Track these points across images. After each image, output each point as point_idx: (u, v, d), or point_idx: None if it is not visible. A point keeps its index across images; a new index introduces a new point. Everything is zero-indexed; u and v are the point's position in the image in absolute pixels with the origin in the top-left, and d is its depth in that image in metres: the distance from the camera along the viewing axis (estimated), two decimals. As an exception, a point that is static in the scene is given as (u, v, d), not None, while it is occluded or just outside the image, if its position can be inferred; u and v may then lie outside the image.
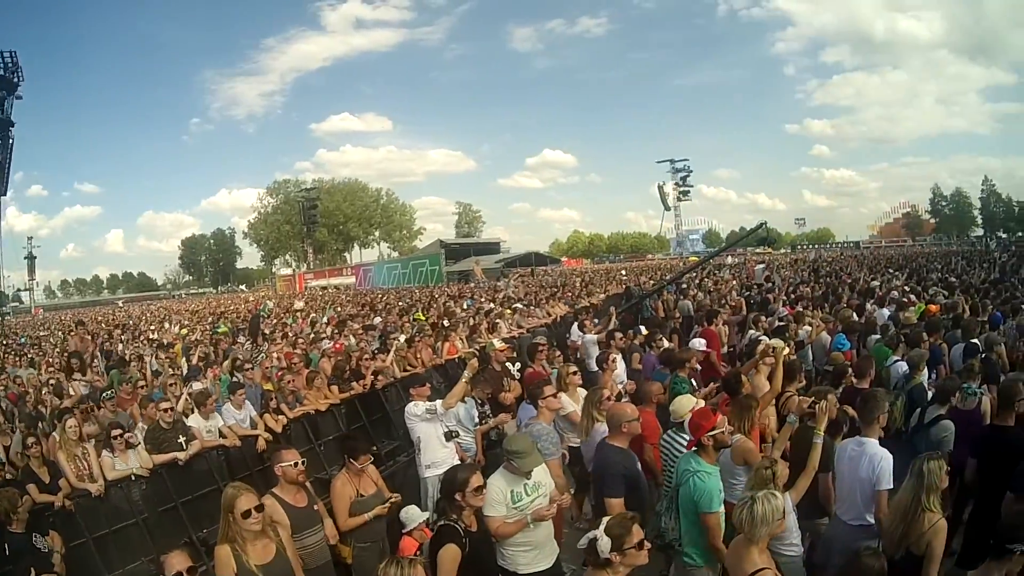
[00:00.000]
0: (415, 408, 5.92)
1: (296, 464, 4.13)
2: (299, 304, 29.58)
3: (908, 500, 3.40)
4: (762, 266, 21.74)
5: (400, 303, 24.16)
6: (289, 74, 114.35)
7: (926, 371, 6.33)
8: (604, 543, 2.87)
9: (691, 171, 72.96)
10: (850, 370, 6.17)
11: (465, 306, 19.61)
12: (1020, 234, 64.10)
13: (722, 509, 3.91)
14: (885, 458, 4.09)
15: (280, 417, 7.28)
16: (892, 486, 3.98)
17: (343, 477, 4.65)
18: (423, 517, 4.57)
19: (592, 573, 3.02)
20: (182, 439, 6.24)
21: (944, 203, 77.63)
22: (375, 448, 6.47)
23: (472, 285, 37.92)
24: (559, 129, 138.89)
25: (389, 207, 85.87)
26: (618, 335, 8.96)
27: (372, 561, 4.02)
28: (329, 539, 4.42)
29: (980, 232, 72.24)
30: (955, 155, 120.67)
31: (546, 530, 4.16)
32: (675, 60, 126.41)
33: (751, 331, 9.41)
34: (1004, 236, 63.91)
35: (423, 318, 15.47)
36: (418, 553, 4.12)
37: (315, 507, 4.37)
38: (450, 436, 5.93)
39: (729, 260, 34.59)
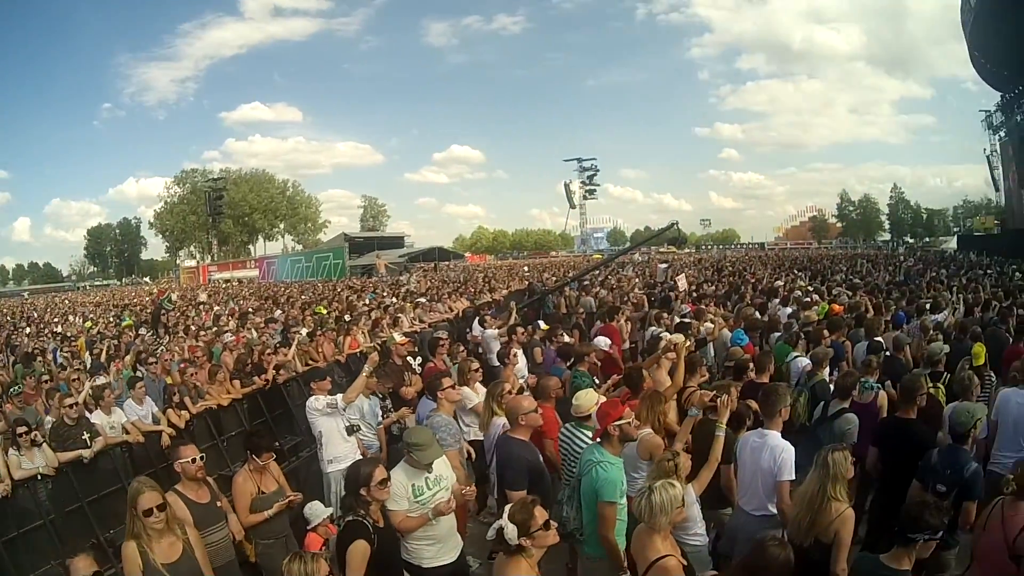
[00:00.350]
0: (316, 402, 7.09)
1: (195, 460, 4.97)
2: (202, 296, 37.07)
3: (814, 490, 4.36)
4: (664, 265, 25.78)
5: (303, 297, 30.27)
6: (203, 60, 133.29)
7: (827, 367, 7.94)
8: (510, 530, 3.64)
9: (598, 170, 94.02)
10: (750, 365, 7.61)
11: (367, 300, 23.60)
12: (927, 239, 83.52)
13: (623, 502, 4.82)
14: (787, 450, 5.14)
15: (183, 412, 8.47)
16: (794, 477, 5.00)
17: (244, 473, 5.52)
18: (327, 513, 5.41)
19: (506, 561, 3.76)
20: (86, 436, 7.17)
21: (852, 208, 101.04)
22: (278, 444, 7.39)
23: (375, 279, 46.34)
24: (468, 125, 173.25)
25: (295, 199, 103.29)
26: (519, 330, 11.15)
27: (277, 559, 4.71)
28: (234, 536, 5.23)
29: (887, 237, 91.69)
30: (865, 163, 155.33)
31: (449, 523, 4.99)
32: (589, 61, 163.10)
33: (652, 327, 11.52)
34: (911, 241, 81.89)
35: (324, 311, 18.94)
36: (323, 549, 4.99)
37: (218, 503, 5.20)
38: (351, 430, 7.10)
39: (636, 258, 41.94)
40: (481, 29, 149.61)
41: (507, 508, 3.88)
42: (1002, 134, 51.14)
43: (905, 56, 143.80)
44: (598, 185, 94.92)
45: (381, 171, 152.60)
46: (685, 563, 4.11)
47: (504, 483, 5.74)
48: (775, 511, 5.13)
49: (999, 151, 53.09)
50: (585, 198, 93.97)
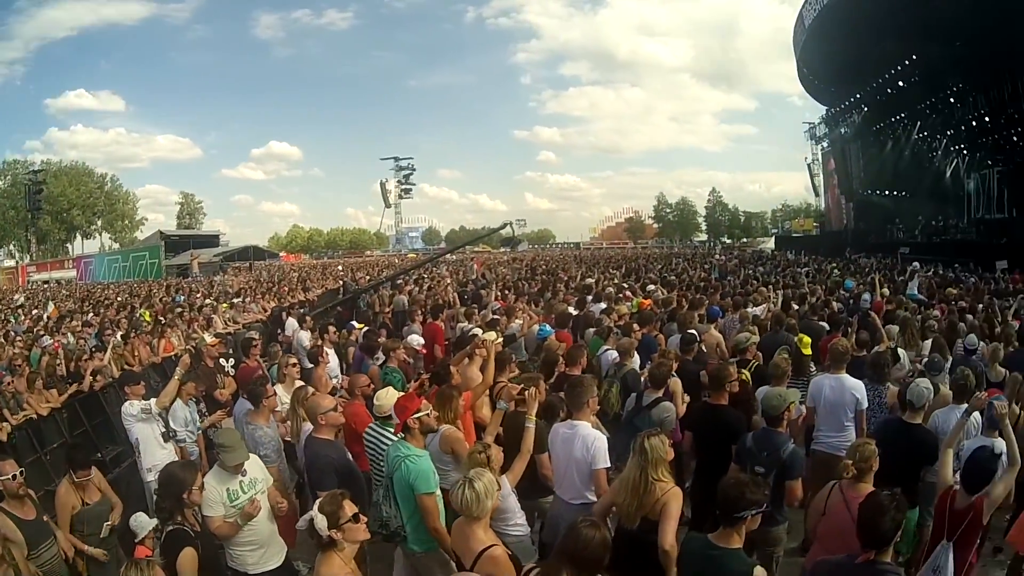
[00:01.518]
0: (130, 408, 7.29)
1: (14, 477, 5.09)
2: (19, 299, 36.62)
3: (636, 475, 4.66)
4: (471, 264, 26.57)
5: (119, 298, 30.70)
6: (34, 41, 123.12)
7: (637, 358, 8.58)
8: (320, 521, 3.89)
9: (414, 169, 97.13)
10: (559, 358, 8.13)
11: (179, 301, 24.86)
12: (744, 240, 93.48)
13: (439, 491, 5.08)
14: (598, 439, 5.57)
15: (3, 424, 8.49)
16: (609, 465, 5.46)
17: (65, 486, 5.68)
18: (152, 524, 5.20)
19: (322, 558, 4.00)
20: None
21: (669, 210, 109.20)
22: (100, 455, 7.89)
23: (189, 279, 49.10)
24: (289, 121, 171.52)
25: (113, 194, 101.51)
26: (331, 329, 11.87)
27: (109, 572, 4.80)
28: (66, 552, 5.30)
29: (704, 238, 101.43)
30: (683, 168, 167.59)
31: (269, 527, 5.27)
32: (415, 61, 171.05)
33: (463, 324, 12.31)
34: (728, 241, 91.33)
35: (148, 316, 19.37)
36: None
37: (44, 519, 5.31)
38: (168, 436, 7.40)
39: (450, 257, 42.95)
40: (310, 24, 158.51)
41: (317, 502, 4.13)
42: (824, 144, 59.85)
43: (732, 71, 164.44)
44: (414, 184, 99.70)
45: (199, 166, 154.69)
46: (510, 553, 4.33)
47: (312, 484, 5.98)
48: (593, 499, 5.46)
49: (820, 160, 62.25)
50: (401, 197, 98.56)
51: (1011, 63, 32.98)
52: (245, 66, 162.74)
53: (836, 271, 25.77)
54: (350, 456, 6.32)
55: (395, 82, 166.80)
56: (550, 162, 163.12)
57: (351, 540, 4.06)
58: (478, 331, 9.38)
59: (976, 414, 5.93)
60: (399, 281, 23.00)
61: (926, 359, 8.42)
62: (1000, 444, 5.39)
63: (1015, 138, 38.51)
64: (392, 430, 5.85)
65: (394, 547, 5.67)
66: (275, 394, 7.15)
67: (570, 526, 3.89)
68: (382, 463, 5.74)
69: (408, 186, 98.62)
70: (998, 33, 30.34)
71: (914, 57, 38.53)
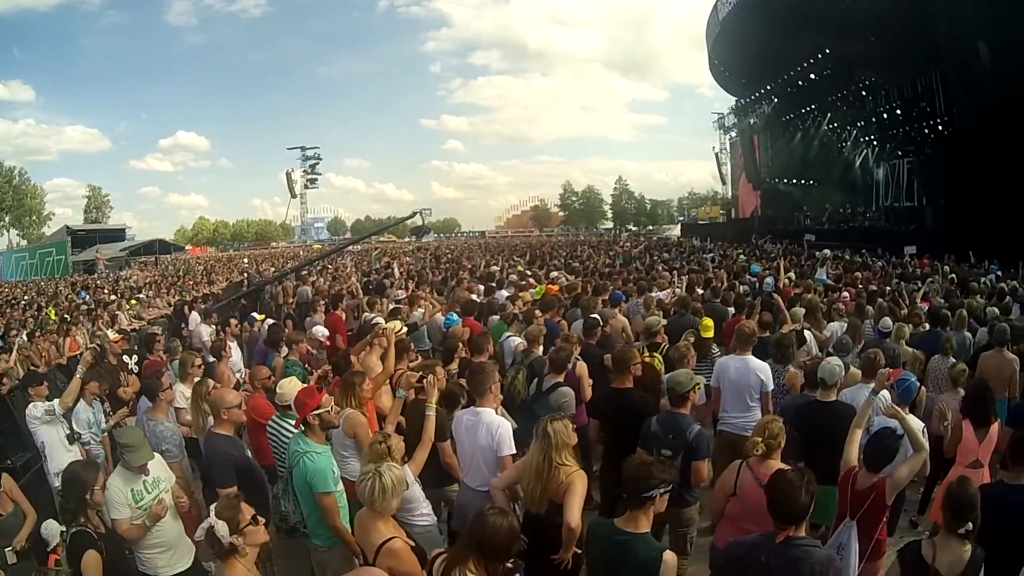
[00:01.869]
0: (35, 410, 7.18)
1: None
2: None
3: (540, 460, 4.71)
4: (377, 252, 27.37)
5: (26, 296, 31.31)
6: None
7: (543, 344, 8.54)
8: (221, 527, 3.77)
9: (320, 159, 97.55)
10: (462, 345, 8.34)
11: (84, 298, 24.82)
12: (650, 227, 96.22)
13: (340, 488, 5.15)
14: (502, 426, 5.63)
15: None
16: (515, 451, 5.50)
17: None
18: (61, 529, 5.12)
19: (223, 567, 3.91)
20: None
21: (575, 198, 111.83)
22: (9, 462, 7.84)
23: (95, 276, 49.12)
24: (198, 110, 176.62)
25: (21, 188, 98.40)
26: (233, 322, 11.75)
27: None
28: None
29: (610, 225, 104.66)
30: (591, 157, 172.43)
31: (176, 528, 5.20)
32: (325, 48, 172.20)
33: (366, 313, 12.29)
34: (634, 228, 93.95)
35: (54, 314, 19.09)
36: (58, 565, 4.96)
37: None
38: (72, 439, 7.23)
39: (355, 248, 43.76)
40: (222, 10, 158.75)
41: (212, 507, 4.00)
42: (733, 134, 61.71)
43: (643, 61, 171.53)
44: (320, 174, 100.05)
45: (107, 158, 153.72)
46: (413, 544, 4.33)
47: (211, 481, 5.98)
48: (501, 486, 5.43)
49: (728, 149, 64.55)
50: (307, 187, 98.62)
51: (926, 59, 34.46)
52: (156, 53, 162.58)
53: (742, 257, 26.44)
54: (249, 453, 6.31)
55: (305, 70, 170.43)
56: (457, 151, 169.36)
57: (252, 544, 3.96)
58: (380, 320, 9.45)
59: (886, 392, 6.02)
60: (303, 272, 23.26)
61: (835, 340, 8.70)
62: (913, 423, 5.53)
63: (927, 131, 40.03)
64: (293, 421, 5.77)
65: (301, 542, 5.67)
66: (171, 386, 7.18)
67: (477, 514, 3.88)
68: (283, 456, 5.78)
69: (314, 176, 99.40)
70: (914, 30, 31.69)
71: (828, 51, 39.93)
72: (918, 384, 6.25)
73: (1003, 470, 5.17)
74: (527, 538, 4.23)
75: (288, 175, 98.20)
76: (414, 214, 22.29)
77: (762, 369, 7.27)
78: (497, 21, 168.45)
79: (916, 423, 5.60)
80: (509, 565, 3.78)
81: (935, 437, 6.40)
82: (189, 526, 5.34)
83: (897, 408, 5.52)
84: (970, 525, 4.00)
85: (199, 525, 4.04)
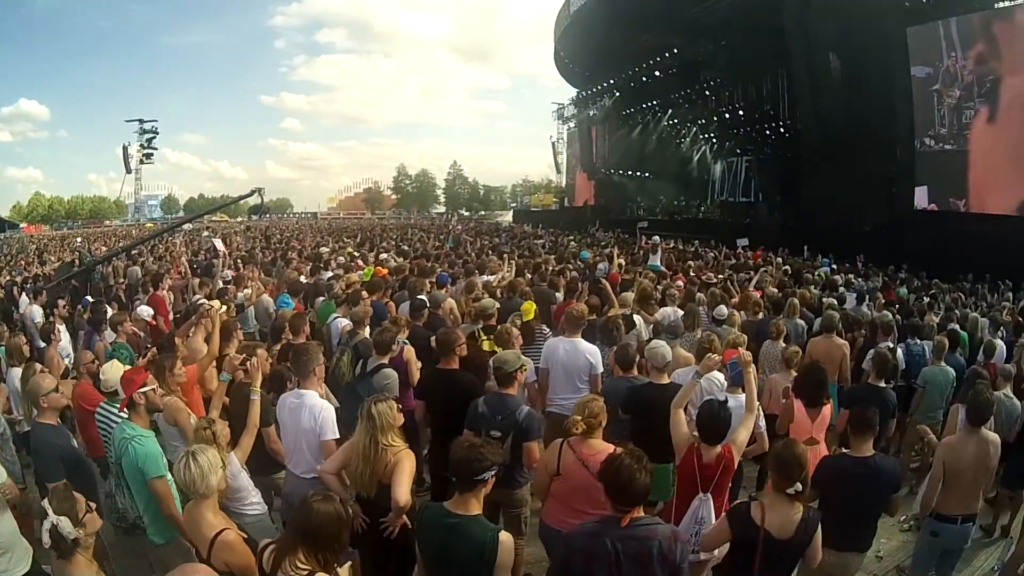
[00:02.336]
0: None
1: None
2: None
3: (366, 442, 4.72)
4: (207, 233, 27.41)
5: None
6: None
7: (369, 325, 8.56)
8: (64, 524, 3.60)
9: (158, 133, 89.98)
10: (287, 327, 8.36)
11: None
12: (482, 212, 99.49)
13: (170, 475, 4.96)
14: (326, 408, 5.66)
15: None
16: (338, 435, 5.54)
17: None
18: None
19: (65, 565, 3.69)
20: None
21: (408, 181, 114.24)
22: None
23: None
24: (40, 77, 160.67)
25: None
26: (61, 303, 11.93)
27: None
28: None
29: (442, 209, 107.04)
30: (428, 140, 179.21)
31: (11, 527, 4.89)
32: (174, 17, 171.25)
33: (196, 295, 12.30)
34: (466, 213, 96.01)
35: None
36: None
37: None
38: None
39: (186, 227, 42.48)
40: None
41: (46, 503, 3.76)
42: (571, 125, 63.46)
43: (489, 48, 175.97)
44: (156, 149, 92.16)
45: None
46: (246, 535, 4.23)
47: (39, 476, 5.82)
48: (327, 470, 5.44)
49: (566, 139, 66.33)
50: (142, 162, 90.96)
51: (773, 64, 37.43)
52: (4, 16, 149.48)
53: (573, 243, 27.45)
54: (75, 443, 6.14)
55: (150, 38, 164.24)
56: (294, 130, 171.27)
57: (91, 532, 3.78)
58: (205, 301, 9.28)
59: (718, 374, 6.43)
60: (134, 252, 23.48)
61: (668, 323, 8.94)
62: (740, 398, 5.90)
63: (768, 132, 42.29)
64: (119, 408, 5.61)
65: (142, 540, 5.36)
66: None
67: (301, 501, 3.82)
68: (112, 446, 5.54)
69: (151, 151, 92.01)
70: (765, 36, 33.87)
71: (676, 50, 41.58)
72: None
73: (843, 448, 5.72)
74: (365, 519, 4.65)
75: (125, 149, 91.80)
76: (253, 192, 21.64)
77: (591, 351, 7.38)
78: None
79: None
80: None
81: (769, 416, 6.71)
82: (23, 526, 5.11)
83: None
84: (799, 486, 4.20)
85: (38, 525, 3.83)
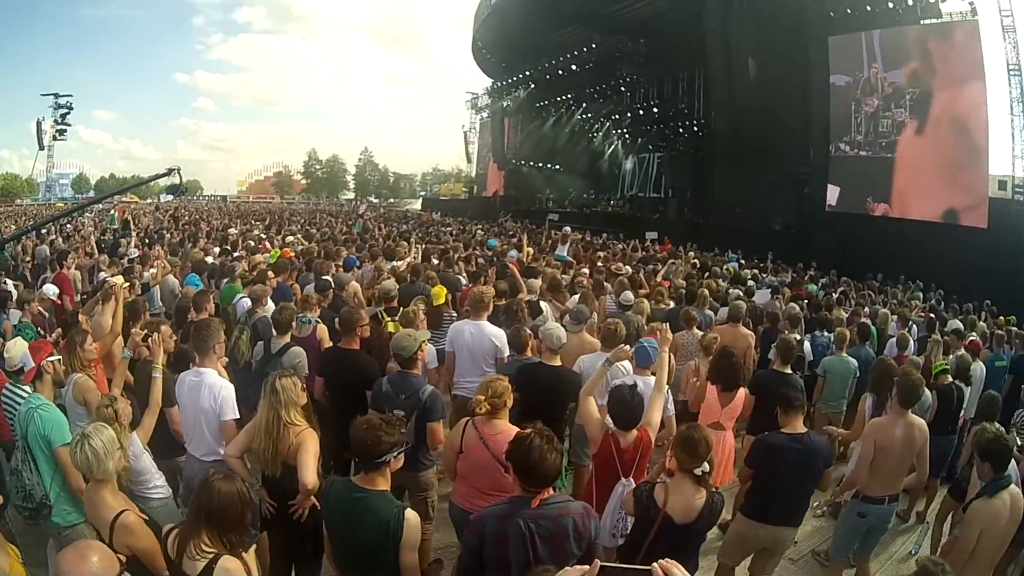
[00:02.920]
0: None
1: None
2: None
3: (270, 418, 4.71)
4: (112, 211, 27.74)
5: None
6: None
7: (272, 305, 8.50)
8: None
9: (72, 108, 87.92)
10: (191, 306, 8.49)
11: None
12: (391, 200, 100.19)
13: None
14: (226, 387, 5.61)
15: None
16: (238, 415, 5.51)
17: None
18: None
19: None
20: None
21: (319, 166, 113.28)
22: None
23: None
24: None
25: None
26: None
27: None
28: None
29: (351, 196, 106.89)
30: (340, 125, 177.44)
31: None
32: None
33: (102, 272, 12.39)
34: (375, 200, 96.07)
35: None
36: None
37: None
38: None
39: (98, 207, 41.87)
40: None
41: None
42: (484, 115, 63.35)
43: (406, 35, 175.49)
44: (69, 125, 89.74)
45: None
46: (147, 518, 4.14)
47: None
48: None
49: (478, 129, 66.40)
50: (55, 139, 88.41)
51: (688, 63, 38.88)
52: None
53: (480, 231, 27.62)
54: None
55: (71, 9, 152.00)
56: (207, 110, 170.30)
57: None
58: (113, 279, 8.71)
59: (627, 364, 6.45)
60: (43, 231, 22.55)
61: (573, 310, 8.86)
62: (648, 380, 5.99)
63: (681, 129, 42.97)
64: (28, 388, 5.50)
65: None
66: None
67: (202, 481, 3.77)
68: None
69: (64, 127, 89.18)
70: (684, 37, 35.00)
71: (593, 45, 41.72)
72: (657, 350, 6.36)
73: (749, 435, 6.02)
74: (271, 503, 4.71)
75: (38, 124, 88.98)
76: (169, 172, 21.05)
77: (497, 334, 7.41)
78: None
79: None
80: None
81: (682, 402, 7.09)
82: None
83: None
84: (706, 466, 4.26)
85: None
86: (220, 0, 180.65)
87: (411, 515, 3.89)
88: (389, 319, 8.29)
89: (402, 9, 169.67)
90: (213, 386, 5.57)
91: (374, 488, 3.96)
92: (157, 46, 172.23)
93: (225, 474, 3.83)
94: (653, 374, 5.96)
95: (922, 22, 27.59)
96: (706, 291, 11.22)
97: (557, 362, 6.57)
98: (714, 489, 4.43)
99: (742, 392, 6.80)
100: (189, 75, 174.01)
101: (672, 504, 4.24)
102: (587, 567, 1.76)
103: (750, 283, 14.63)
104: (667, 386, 5.86)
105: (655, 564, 1.67)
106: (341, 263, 12.96)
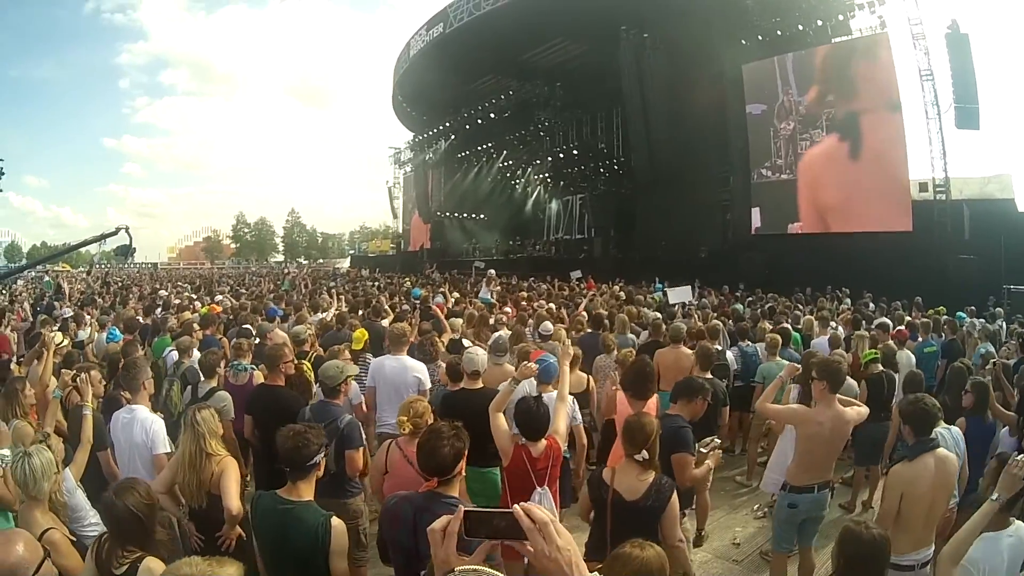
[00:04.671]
0: None
1: None
2: None
3: (192, 450, 4.92)
4: (48, 279, 28.09)
5: None
6: None
7: (198, 354, 8.76)
8: None
9: (3, 173, 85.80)
10: (121, 355, 8.69)
11: None
12: (320, 260, 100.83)
13: None
14: (156, 422, 5.89)
15: None
16: (169, 449, 5.70)
17: None
18: None
19: None
20: None
21: (247, 229, 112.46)
22: None
23: None
24: None
25: None
26: None
27: None
28: None
29: (281, 258, 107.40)
30: (265, 187, 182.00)
31: None
32: (22, 48, 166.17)
33: (39, 331, 11.81)
34: (305, 261, 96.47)
35: None
36: None
37: None
38: None
39: (29, 274, 43.07)
40: None
41: None
42: (408, 169, 63.84)
43: (327, 91, 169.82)
44: (1, 191, 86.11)
45: None
46: (74, 539, 4.22)
47: None
48: (162, 489, 5.30)
49: (402, 184, 66.36)
50: None
51: (605, 103, 40.61)
52: None
53: (408, 283, 28.13)
54: None
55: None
56: (135, 175, 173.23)
57: None
58: (45, 331, 9.43)
59: (533, 381, 6.59)
60: None
61: (493, 342, 9.29)
62: (552, 395, 6.10)
63: (601, 169, 43.91)
64: None
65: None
66: None
67: (103, 500, 3.88)
68: None
69: None
70: (597, 76, 36.68)
71: (511, 92, 42.56)
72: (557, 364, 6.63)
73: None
74: (199, 536, 4.86)
75: None
76: (118, 230, 20.72)
77: (418, 368, 7.65)
78: (193, 38, 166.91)
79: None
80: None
81: (609, 421, 7.03)
82: None
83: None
84: (645, 453, 4.55)
85: None
86: (145, 62, 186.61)
87: (337, 522, 4.02)
88: (301, 361, 8.51)
89: (321, 66, 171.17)
90: (144, 421, 5.77)
91: (300, 499, 4.11)
92: (85, 109, 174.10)
93: (121, 485, 3.90)
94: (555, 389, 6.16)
95: (833, 41, 28.73)
96: (625, 317, 11.65)
97: (477, 385, 6.80)
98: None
99: (654, 400, 6.85)
100: (116, 139, 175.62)
101: (619, 483, 4.53)
102: (450, 516, 1.75)
103: (673, 308, 15.19)
104: (571, 396, 6.03)
105: (515, 506, 1.64)
106: (265, 315, 13.39)
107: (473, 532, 1.71)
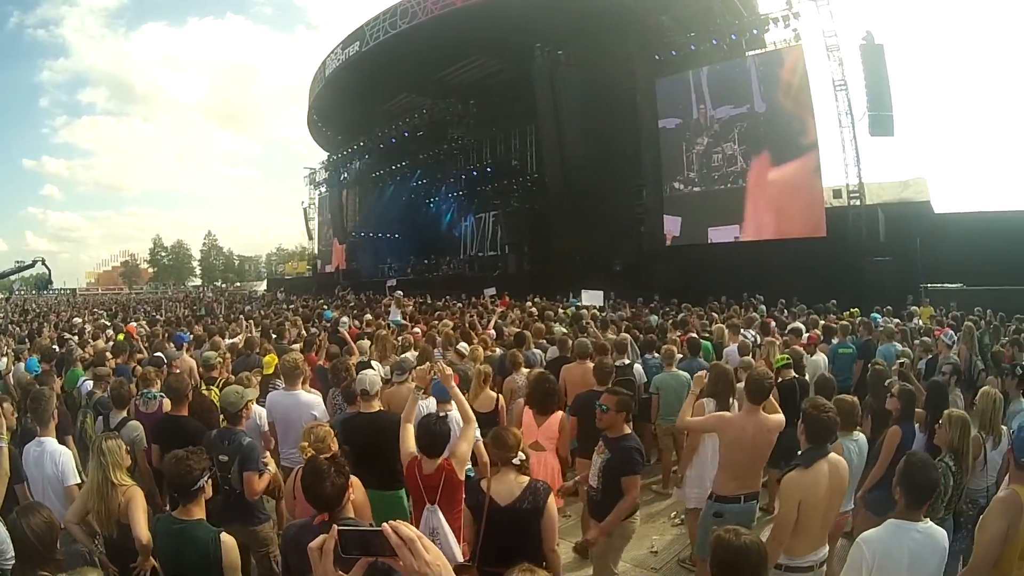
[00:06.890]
0: None
1: None
2: None
3: (100, 478, 4.98)
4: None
5: None
6: None
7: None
8: None
9: None
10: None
11: None
12: (238, 284, 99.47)
13: None
14: (64, 453, 5.95)
15: None
16: (79, 480, 5.77)
17: None
18: None
19: None
20: None
21: (165, 254, 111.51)
22: None
23: None
24: None
25: None
26: None
27: None
28: None
29: (198, 282, 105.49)
30: (182, 209, 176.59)
31: None
32: None
33: None
34: (222, 285, 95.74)
35: None
36: None
37: None
38: None
39: None
40: None
41: None
42: (323, 189, 62.65)
43: (243, 112, 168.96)
44: None
45: None
46: None
47: None
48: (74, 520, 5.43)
49: (317, 204, 65.49)
50: None
51: (518, 121, 41.18)
52: None
53: (323, 305, 28.16)
54: None
55: None
56: (54, 197, 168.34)
57: None
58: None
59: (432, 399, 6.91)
60: None
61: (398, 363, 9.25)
62: (455, 413, 6.20)
63: (515, 186, 44.41)
64: None
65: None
66: None
67: (9, 522, 4.09)
68: None
69: None
70: (510, 93, 37.60)
71: (424, 111, 42.24)
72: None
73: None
74: (113, 566, 4.91)
75: None
76: (35, 262, 20.37)
77: (313, 403, 7.57)
78: (112, 56, 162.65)
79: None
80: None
81: None
82: None
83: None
84: (521, 455, 4.85)
85: None
86: (65, 80, 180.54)
87: (227, 538, 4.24)
88: (209, 388, 8.76)
89: (238, 86, 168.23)
90: (53, 453, 5.85)
91: (191, 518, 4.31)
92: (4, 129, 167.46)
93: (24, 506, 4.18)
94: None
95: (748, 54, 29.35)
96: (529, 333, 11.79)
97: (375, 407, 6.79)
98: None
99: (558, 415, 7.11)
100: (36, 160, 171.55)
101: (495, 489, 4.70)
102: (326, 535, 1.82)
103: (584, 321, 15.15)
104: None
105: (384, 524, 1.72)
106: (171, 340, 13.79)
107: (348, 550, 1.77)
